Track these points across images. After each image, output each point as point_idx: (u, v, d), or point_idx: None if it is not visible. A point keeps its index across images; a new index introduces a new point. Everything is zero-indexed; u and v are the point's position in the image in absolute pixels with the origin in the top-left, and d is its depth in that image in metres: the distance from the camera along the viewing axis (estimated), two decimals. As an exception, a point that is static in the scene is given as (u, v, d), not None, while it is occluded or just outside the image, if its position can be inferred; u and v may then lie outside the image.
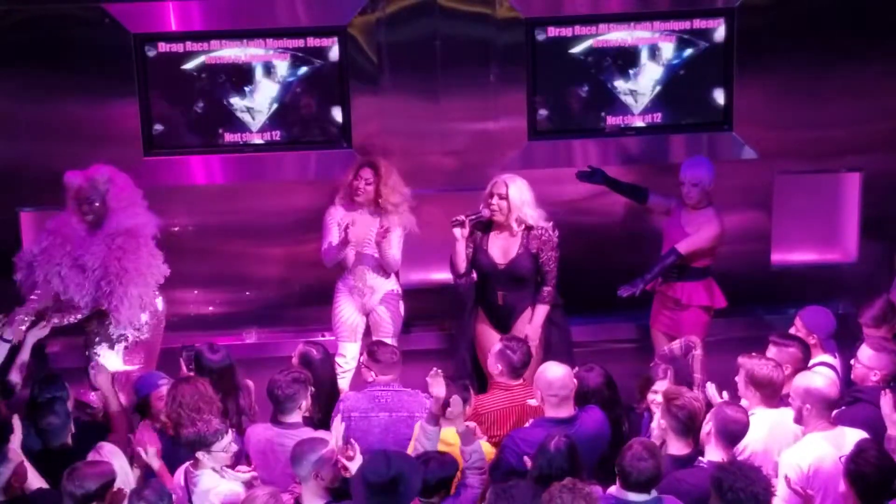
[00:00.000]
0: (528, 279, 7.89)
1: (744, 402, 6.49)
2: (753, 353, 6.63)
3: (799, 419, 6.13)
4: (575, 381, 6.53)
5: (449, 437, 6.38)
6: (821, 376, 6.28)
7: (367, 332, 8.47)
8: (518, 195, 7.81)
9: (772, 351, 6.78)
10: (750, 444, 6.18)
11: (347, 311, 8.39)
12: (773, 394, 6.39)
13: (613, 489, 5.67)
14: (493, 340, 7.71)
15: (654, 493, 5.57)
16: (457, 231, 7.75)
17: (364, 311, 8.40)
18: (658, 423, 6.22)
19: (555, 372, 6.46)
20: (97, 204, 7.77)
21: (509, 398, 6.93)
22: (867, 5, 9.04)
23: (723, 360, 7.63)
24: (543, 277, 7.91)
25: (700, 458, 6.01)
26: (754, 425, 6.31)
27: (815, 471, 5.89)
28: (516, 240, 7.87)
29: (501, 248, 7.88)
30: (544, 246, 7.86)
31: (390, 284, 8.39)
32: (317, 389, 6.81)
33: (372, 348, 7.05)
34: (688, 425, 6.02)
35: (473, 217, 7.81)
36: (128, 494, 5.71)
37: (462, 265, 7.83)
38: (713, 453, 5.97)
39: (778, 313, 8.88)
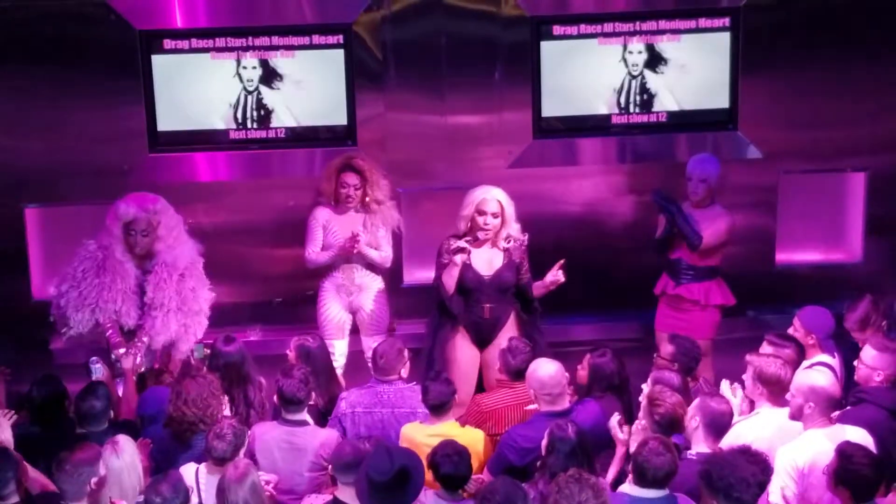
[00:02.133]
0: (511, 289, 7.80)
1: (733, 398, 6.53)
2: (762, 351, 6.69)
3: (798, 416, 6.14)
4: (567, 375, 6.57)
5: (447, 431, 6.42)
6: (824, 374, 6.29)
7: (355, 329, 8.44)
8: (510, 210, 7.72)
9: (767, 350, 6.80)
10: (755, 443, 6.16)
11: (334, 310, 8.35)
12: (779, 391, 6.39)
13: (625, 486, 5.68)
14: (470, 356, 7.74)
15: (666, 491, 5.59)
16: (458, 258, 7.60)
17: (350, 309, 8.37)
18: (640, 422, 6.26)
19: (546, 370, 6.49)
20: (147, 237, 7.64)
21: (513, 396, 6.95)
22: (873, 5, 9.03)
23: (727, 359, 7.67)
24: (525, 289, 7.81)
25: (688, 451, 6.03)
26: (760, 424, 6.33)
27: (810, 468, 5.90)
28: (499, 251, 7.76)
29: (485, 260, 7.74)
30: (524, 256, 7.79)
31: (376, 282, 8.36)
32: (317, 377, 6.84)
33: (376, 348, 7.10)
34: (667, 429, 6.06)
35: (471, 240, 7.66)
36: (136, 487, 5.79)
37: (453, 286, 7.70)
38: (701, 446, 6.01)
39: (782, 313, 8.84)
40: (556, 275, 7.69)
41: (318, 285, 8.39)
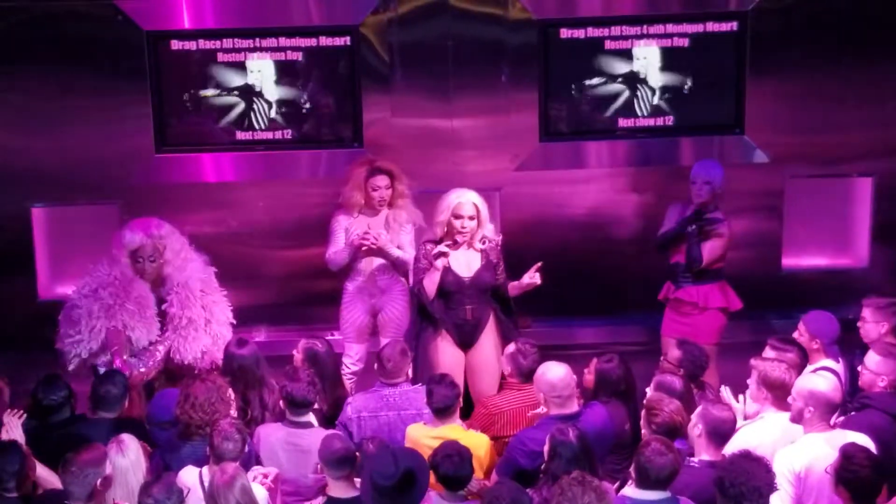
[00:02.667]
0: (490, 290, 7.81)
1: (747, 406, 6.53)
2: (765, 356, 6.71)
3: (798, 419, 6.13)
4: (575, 377, 6.56)
5: (449, 434, 6.40)
6: (825, 379, 6.26)
7: (375, 330, 8.42)
8: (485, 212, 7.72)
9: (769, 354, 6.80)
10: (759, 448, 6.15)
11: (356, 313, 8.33)
12: (784, 396, 6.38)
13: (627, 489, 5.68)
14: (454, 359, 7.72)
15: (667, 493, 5.58)
16: (440, 262, 7.60)
17: (373, 311, 8.36)
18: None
19: (556, 373, 6.47)
20: (154, 262, 7.61)
21: (522, 398, 6.95)
22: (880, 9, 9.02)
23: (733, 363, 7.65)
24: (501, 288, 7.81)
25: (690, 457, 6.02)
26: (764, 428, 6.32)
27: (807, 472, 5.89)
28: (475, 252, 7.76)
29: (463, 262, 7.74)
30: (499, 256, 7.81)
31: (399, 284, 8.34)
32: (323, 381, 6.82)
33: (380, 352, 7.09)
34: (666, 437, 6.02)
35: (450, 244, 7.65)
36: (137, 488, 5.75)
37: (434, 291, 7.70)
38: (704, 453, 6.00)
39: (788, 318, 8.85)
40: (532, 277, 7.69)
41: (342, 287, 8.35)
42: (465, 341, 7.78)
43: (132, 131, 8.89)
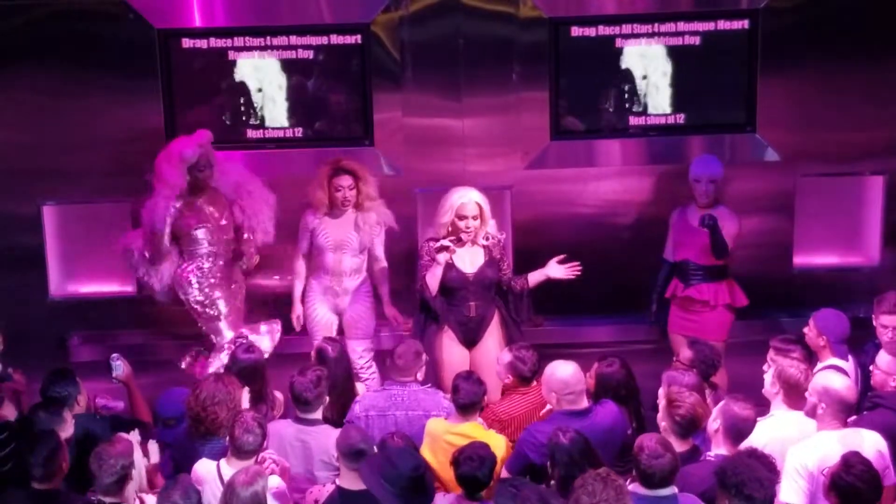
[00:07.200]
0: (493, 286, 7.86)
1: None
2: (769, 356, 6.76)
3: (811, 414, 6.15)
4: (582, 374, 6.56)
5: (470, 432, 6.40)
6: (841, 378, 6.27)
7: (341, 329, 8.40)
8: (487, 210, 7.78)
9: (772, 355, 6.81)
10: (769, 445, 6.16)
11: (321, 311, 8.33)
12: (796, 395, 6.40)
13: (634, 485, 5.68)
14: (459, 357, 7.77)
15: (673, 489, 5.59)
16: (442, 256, 7.64)
17: (336, 311, 8.35)
18: (659, 422, 6.25)
19: (566, 370, 6.50)
20: (212, 167, 8.24)
21: (528, 401, 6.97)
22: (893, 8, 8.99)
23: (742, 363, 7.65)
24: (508, 284, 7.89)
25: (707, 452, 6.04)
26: (773, 427, 6.34)
27: (819, 469, 5.89)
28: (479, 248, 7.82)
29: (467, 259, 7.80)
30: (503, 252, 7.88)
31: (363, 286, 8.35)
32: (330, 386, 6.80)
33: (394, 349, 7.08)
34: (687, 429, 6.06)
35: (454, 240, 7.70)
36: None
37: (436, 287, 7.75)
38: (720, 449, 6.02)
39: (799, 316, 8.82)
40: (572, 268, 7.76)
41: (306, 285, 8.40)
42: (470, 339, 7.80)
43: (143, 129, 8.89)
